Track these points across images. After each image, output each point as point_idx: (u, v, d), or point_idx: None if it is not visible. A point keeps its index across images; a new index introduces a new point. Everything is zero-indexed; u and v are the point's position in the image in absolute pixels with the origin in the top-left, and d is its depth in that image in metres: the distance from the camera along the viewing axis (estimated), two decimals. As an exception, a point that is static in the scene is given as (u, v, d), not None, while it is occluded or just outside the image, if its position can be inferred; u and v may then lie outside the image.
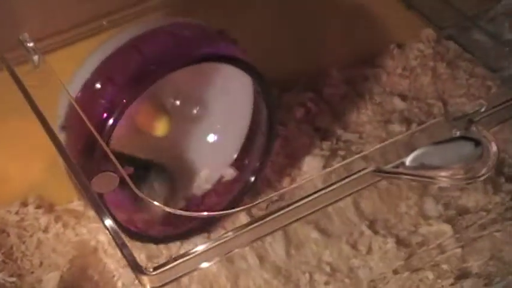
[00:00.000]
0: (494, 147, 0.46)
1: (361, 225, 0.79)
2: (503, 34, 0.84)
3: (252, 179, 0.81)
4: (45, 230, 0.81)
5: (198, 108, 0.79)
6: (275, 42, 0.89)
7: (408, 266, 0.75)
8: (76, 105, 0.55)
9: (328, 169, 0.46)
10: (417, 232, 0.78)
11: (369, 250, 0.78)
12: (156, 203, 0.49)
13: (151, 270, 0.40)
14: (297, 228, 0.79)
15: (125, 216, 0.73)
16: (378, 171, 0.44)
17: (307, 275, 0.76)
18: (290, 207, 0.42)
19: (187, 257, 0.41)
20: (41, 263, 0.79)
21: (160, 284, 0.41)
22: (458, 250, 0.73)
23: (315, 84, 0.96)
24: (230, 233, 0.43)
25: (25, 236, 0.80)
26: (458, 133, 0.47)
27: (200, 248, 0.42)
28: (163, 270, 0.40)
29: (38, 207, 0.83)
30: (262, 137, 0.79)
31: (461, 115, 0.48)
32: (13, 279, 0.76)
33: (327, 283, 0.75)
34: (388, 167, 0.44)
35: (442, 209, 0.80)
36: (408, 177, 0.44)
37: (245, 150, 0.81)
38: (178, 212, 0.49)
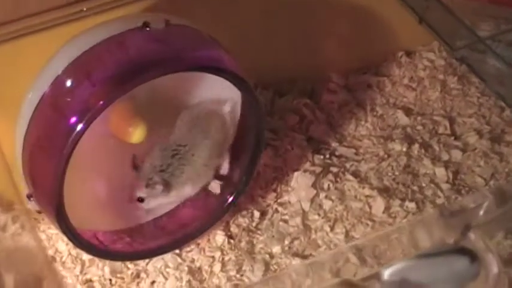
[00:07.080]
0: (494, 267, 0.37)
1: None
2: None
3: (234, 194, 0.73)
4: (3, 229, 0.75)
5: (180, 114, 0.71)
6: (271, 42, 0.82)
7: None
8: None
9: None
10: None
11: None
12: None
13: None
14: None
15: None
16: (347, 284, 0.35)
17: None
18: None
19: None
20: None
21: None
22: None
23: (312, 89, 0.88)
24: None
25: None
26: (452, 240, 0.38)
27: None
28: None
29: (-3, 204, 0.76)
30: (249, 150, 0.72)
31: (459, 210, 0.38)
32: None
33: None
34: (358, 280, 0.35)
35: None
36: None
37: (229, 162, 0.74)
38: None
